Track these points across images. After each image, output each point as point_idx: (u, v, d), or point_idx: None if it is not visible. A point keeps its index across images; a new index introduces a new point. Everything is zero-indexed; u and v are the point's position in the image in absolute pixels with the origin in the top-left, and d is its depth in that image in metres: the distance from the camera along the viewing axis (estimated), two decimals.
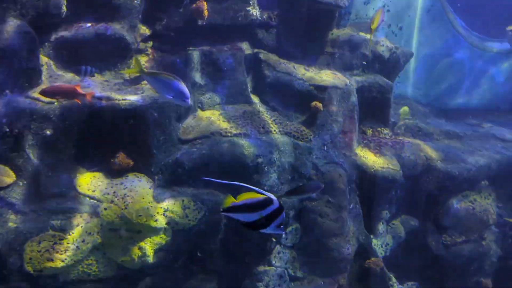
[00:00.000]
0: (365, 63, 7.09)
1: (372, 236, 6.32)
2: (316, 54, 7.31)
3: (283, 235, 5.74)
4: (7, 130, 4.44)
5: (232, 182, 2.91)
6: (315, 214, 5.86)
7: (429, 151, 6.76)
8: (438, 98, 8.75)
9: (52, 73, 5.10)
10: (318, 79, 6.60)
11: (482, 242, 6.51)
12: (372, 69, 7.36)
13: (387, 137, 7.13)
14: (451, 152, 6.79)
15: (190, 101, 4.11)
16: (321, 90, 6.43)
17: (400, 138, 7.13)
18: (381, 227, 6.44)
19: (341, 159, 6.22)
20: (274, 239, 5.65)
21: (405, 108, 6.89)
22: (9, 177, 4.46)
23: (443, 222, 6.49)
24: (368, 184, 6.30)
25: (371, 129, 7.22)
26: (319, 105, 6.33)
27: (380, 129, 7.27)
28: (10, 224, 4.46)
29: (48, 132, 4.70)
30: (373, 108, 7.14)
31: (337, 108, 6.45)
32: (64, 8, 5.11)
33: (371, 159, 6.45)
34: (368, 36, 7.29)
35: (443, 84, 8.72)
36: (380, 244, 6.38)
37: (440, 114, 8.45)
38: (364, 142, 6.81)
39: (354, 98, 6.64)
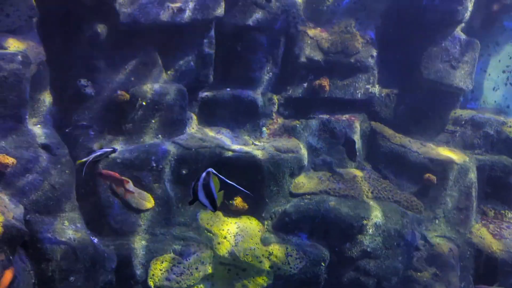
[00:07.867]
0: None
1: None
2: (435, 131, 7.37)
3: None
4: (154, 165, 5.52)
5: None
6: (420, 286, 5.67)
7: None
8: None
9: (194, 125, 6.27)
10: (434, 153, 6.67)
11: None
12: (496, 149, 7.13)
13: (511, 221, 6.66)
14: None
15: None
16: (436, 163, 6.48)
17: None
18: None
19: (453, 235, 6.02)
20: None
21: None
22: (150, 203, 5.46)
23: None
24: (484, 266, 5.91)
25: (493, 211, 6.83)
26: (433, 177, 6.36)
27: (504, 212, 6.83)
28: (143, 242, 5.35)
29: (184, 171, 5.67)
30: (497, 189, 6.82)
31: (453, 183, 6.37)
32: (211, 78, 6.36)
33: (488, 240, 6.10)
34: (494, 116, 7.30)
35: None
36: None
37: None
38: (483, 222, 6.48)
39: (472, 175, 6.49)
